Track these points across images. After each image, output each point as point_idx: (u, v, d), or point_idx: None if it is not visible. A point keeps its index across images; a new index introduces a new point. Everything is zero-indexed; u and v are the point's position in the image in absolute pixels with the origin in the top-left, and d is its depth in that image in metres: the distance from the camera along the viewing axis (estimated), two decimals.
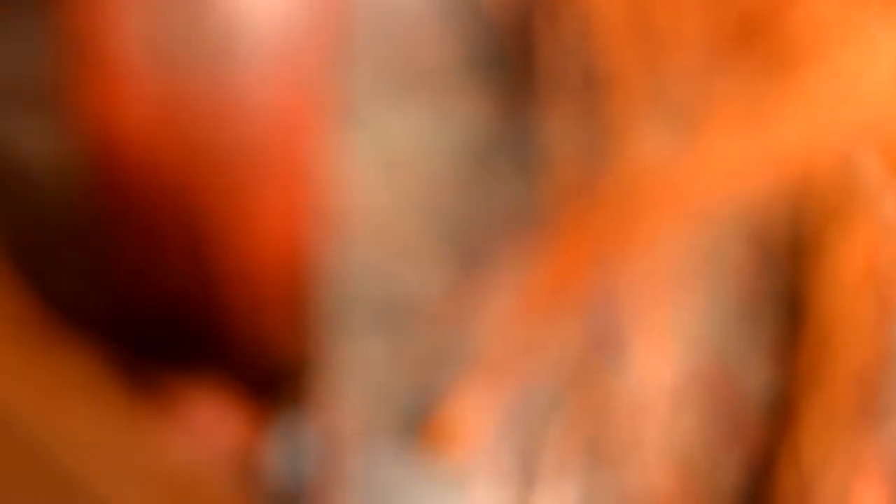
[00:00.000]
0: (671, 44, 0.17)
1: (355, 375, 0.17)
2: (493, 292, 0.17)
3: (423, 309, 0.17)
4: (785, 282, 0.18)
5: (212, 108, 0.13)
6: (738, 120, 0.17)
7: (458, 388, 0.17)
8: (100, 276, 0.14)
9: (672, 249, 0.17)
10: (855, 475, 0.18)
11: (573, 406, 0.17)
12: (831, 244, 0.18)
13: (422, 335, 0.17)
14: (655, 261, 0.17)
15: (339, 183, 0.16)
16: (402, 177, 0.17)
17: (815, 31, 0.16)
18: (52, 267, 0.15)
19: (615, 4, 0.17)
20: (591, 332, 0.17)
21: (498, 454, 0.17)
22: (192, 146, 0.13)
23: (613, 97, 0.17)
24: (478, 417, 0.17)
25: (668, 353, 0.17)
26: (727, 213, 0.18)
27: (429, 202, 0.17)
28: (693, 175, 0.16)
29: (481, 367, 0.17)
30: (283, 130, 0.13)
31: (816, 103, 0.16)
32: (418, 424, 0.17)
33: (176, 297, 0.14)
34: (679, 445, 0.18)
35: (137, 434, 0.13)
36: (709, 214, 0.18)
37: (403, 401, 0.17)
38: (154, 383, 0.15)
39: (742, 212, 0.18)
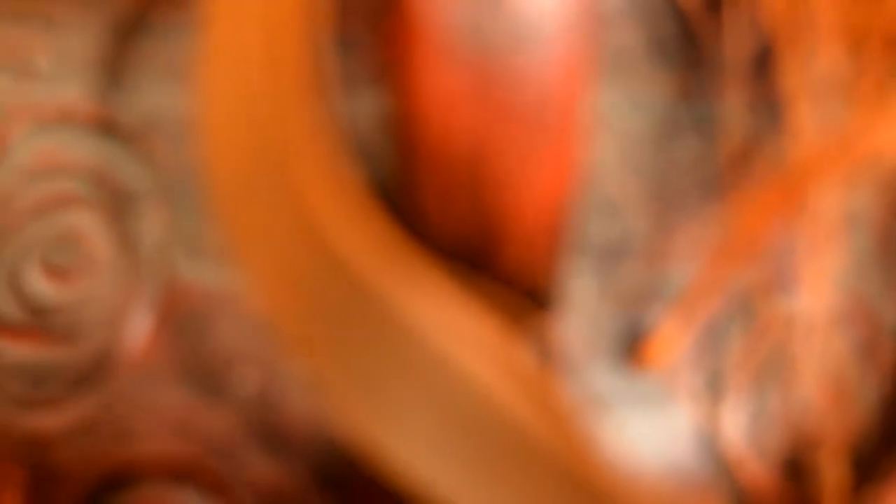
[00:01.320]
0: (827, 28, 0.21)
1: (577, 307, 0.21)
2: (688, 238, 0.21)
3: (630, 252, 0.21)
4: None
5: (509, 79, 0.17)
6: (883, 99, 0.21)
7: (660, 319, 0.21)
8: (416, 217, 0.18)
9: (827, 206, 0.22)
10: None
11: (751, 333, 0.21)
12: None
13: (630, 274, 0.21)
14: (815, 215, 0.22)
15: (589, 142, 0.21)
16: (607, 137, 0.21)
17: None
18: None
19: None
20: (766, 271, 0.21)
21: (691, 374, 0.21)
22: (493, 112, 0.18)
23: (781, 76, 0.21)
24: (675, 343, 0.21)
25: (824, 290, 0.22)
26: (869, 176, 0.22)
27: (631, 159, 0.21)
28: (846, 146, 0.21)
29: (679, 300, 0.21)
30: (562, 97, 0.18)
31: None
32: (627, 349, 0.21)
33: (468, 232, 0.18)
34: (832, 367, 0.22)
35: (479, 324, 0.17)
36: (855, 178, 0.22)
37: (615, 329, 0.21)
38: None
39: (881, 175, 0.22)
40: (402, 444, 0.17)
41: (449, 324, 0.16)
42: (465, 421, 0.16)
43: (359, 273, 0.16)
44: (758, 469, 0.21)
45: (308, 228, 0.16)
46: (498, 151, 0.18)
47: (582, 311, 0.21)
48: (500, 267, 0.19)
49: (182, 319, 0.21)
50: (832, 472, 0.21)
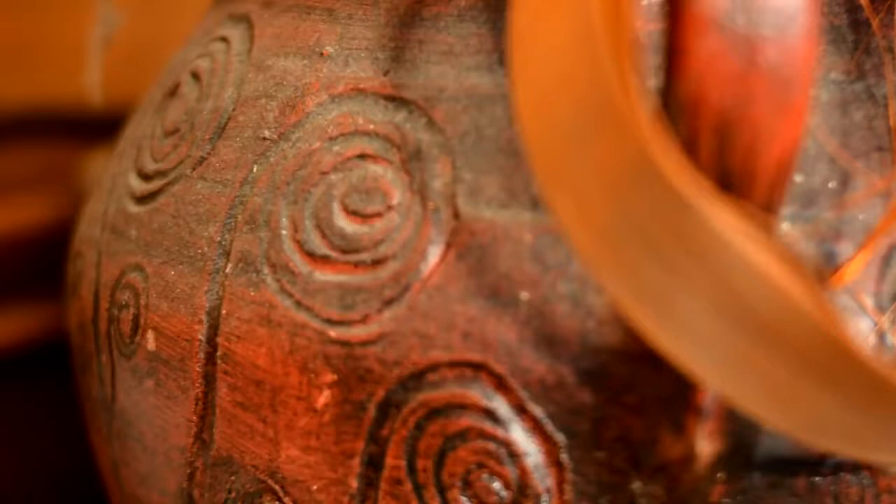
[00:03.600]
0: None
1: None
2: (869, 185, 0.26)
3: (825, 194, 0.26)
4: None
5: (764, 48, 0.22)
6: None
7: (852, 251, 0.26)
8: None
9: None
10: None
11: None
12: None
13: (827, 213, 0.26)
14: None
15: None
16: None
17: None
18: None
19: None
20: None
21: (874, 293, 0.26)
22: (749, 72, 0.22)
23: None
24: (860, 269, 0.26)
25: None
26: None
27: (822, 122, 0.27)
28: None
29: (868, 234, 0.26)
30: (802, 63, 0.23)
31: None
32: (826, 272, 0.26)
33: (713, 175, 0.23)
34: None
35: None
36: None
37: (814, 259, 0.26)
38: None
39: None
40: (689, 349, 0.22)
41: (745, 232, 0.21)
42: (763, 328, 0.21)
43: (676, 186, 0.21)
44: None
45: (633, 151, 0.21)
46: (750, 103, 0.23)
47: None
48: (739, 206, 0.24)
49: (466, 247, 0.26)
50: None
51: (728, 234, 0.21)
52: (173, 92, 0.32)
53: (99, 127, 0.54)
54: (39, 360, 0.57)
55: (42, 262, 0.57)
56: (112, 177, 0.32)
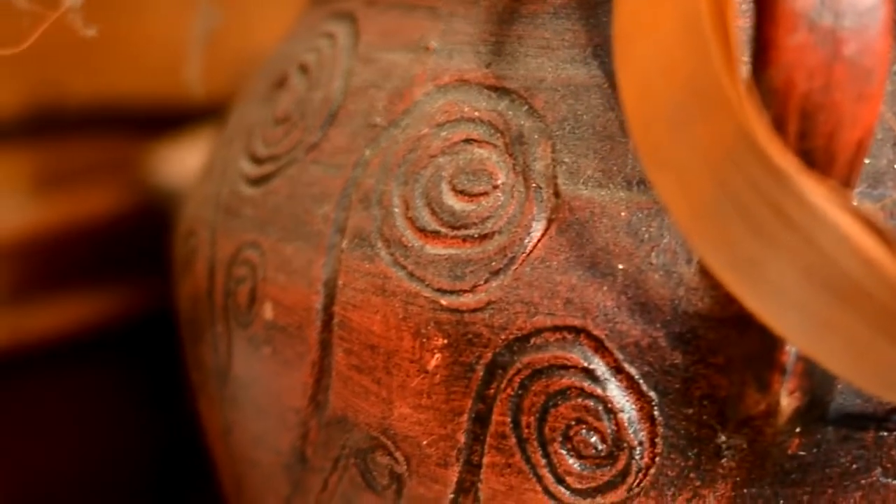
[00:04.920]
0: None
1: None
2: None
3: (891, 175, 0.29)
4: None
5: (848, 41, 0.25)
6: None
7: None
8: None
9: None
10: None
11: None
12: None
13: (893, 192, 0.29)
14: None
15: None
16: None
17: None
18: None
19: None
20: None
21: None
22: (838, 69, 0.25)
23: None
24: None
25: None
26: None
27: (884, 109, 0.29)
28: None
29: None
30: (879, 55, 0.25)
31: None
32: None
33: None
34: None
35: None
36: None
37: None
38: None
39: None
40: (778, 311, 0.25)
41: (835, 202, 0.24)
42: (849, 289, 0.24)
43: (776, 161, 0.23)
44: None
45: (736, 130, 0.23)
46: (833, 91, 0.25)
47: None
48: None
49: (566, 223, 0.29)
50: None
51: (822, 204, 0.23)
52: (281, 84, 0.34)
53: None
54: (103, 344, 0.60)
55: (107, 249, 0.60)
56: (223, 161, 0.35)
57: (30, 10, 0.32)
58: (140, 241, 0.60)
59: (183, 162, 0.57)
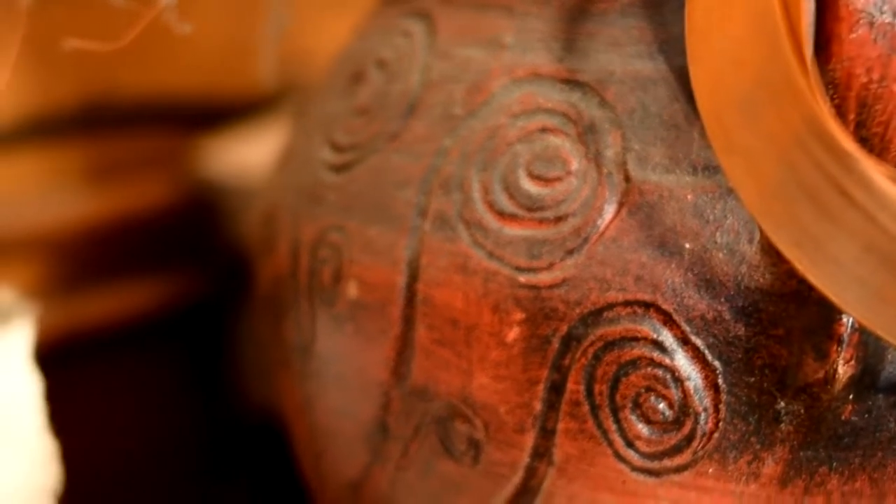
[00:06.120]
0: None
1: None
2: None
3: None
4: None
5: None
6: None
7: None
8: None
9: None
10: None
11: None
12: None
13: None
14: None
15: None
16: None
17: None
18: None
19: None
20: None
21: None
22: (894, 67, 0.27)
23: None
24: None
25: None
26: None
27: None
28: None
29: None
30: None
31: None
32: None
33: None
34: None
35: None
36: None
37: None
38: None
39: None
40: (838, 284, 0.27)
41: (891, 183, 0.26)
42: None
43: (843, 145, 0.26)
44: None
45: (805, 117, 0.26)
46: (890, 81, 0.28)
47: None
48: None
49: (636, 206, 0.31)
50: None
51: (883, 185, 0.26)
52: (358, 78, 0.37)
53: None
54: (152, 332, 0.62)
55: (156, 240, 0.62)
56: (303, 151, 0.37)
57: (126, 8, 0.34)
58: (188, 232, 0.62)
59: (229, 156, 0.59)
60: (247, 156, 0.59)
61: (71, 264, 0.60)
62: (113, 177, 0.61)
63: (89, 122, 0.60)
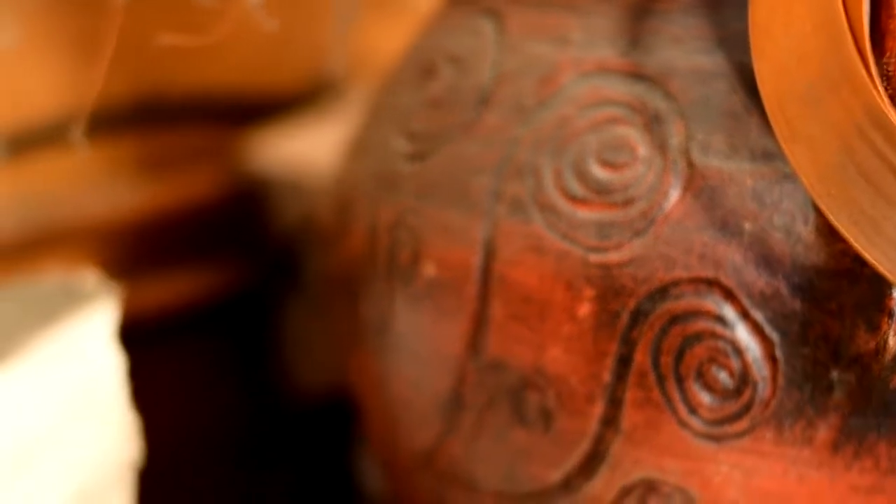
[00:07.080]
0: None
1: None
2: None
3: None
4: None
5: None
6: None
7: None
8: None
9: None
10: None
11: None
12: None
13: None
14: None
15: None
16: None
17: None
18: None
19: None
20: None
21: None
22: None
23: None
24: None
25: None
26: None
27: None
28: None
29: None
30: None
31: None
32: None
33: None
34: None
35: None
36: None
37: None
38: None
39: None
40: (891, 260, 0.29)
41: None
42: None
43: None
44: None
45: (866, 106, 0.28)
46: None
47: None
48: None
49: (699, 190, 0.33)
50: None
51: None
52: (429, 72, 0.39)
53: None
54: (199, 323, 0.64)
55: (206, 230, 0.64)
56: (377, 141, 0.40)
57: (211, 7, 0.36)
58: (235, 224, 0.64)
59: (276, 150, 0.62)
60: (293, 149, 0.62)
61: (121, 254, 0.62)
62: (163, 170, 0.64)
63: (142, 118, 0.62)
